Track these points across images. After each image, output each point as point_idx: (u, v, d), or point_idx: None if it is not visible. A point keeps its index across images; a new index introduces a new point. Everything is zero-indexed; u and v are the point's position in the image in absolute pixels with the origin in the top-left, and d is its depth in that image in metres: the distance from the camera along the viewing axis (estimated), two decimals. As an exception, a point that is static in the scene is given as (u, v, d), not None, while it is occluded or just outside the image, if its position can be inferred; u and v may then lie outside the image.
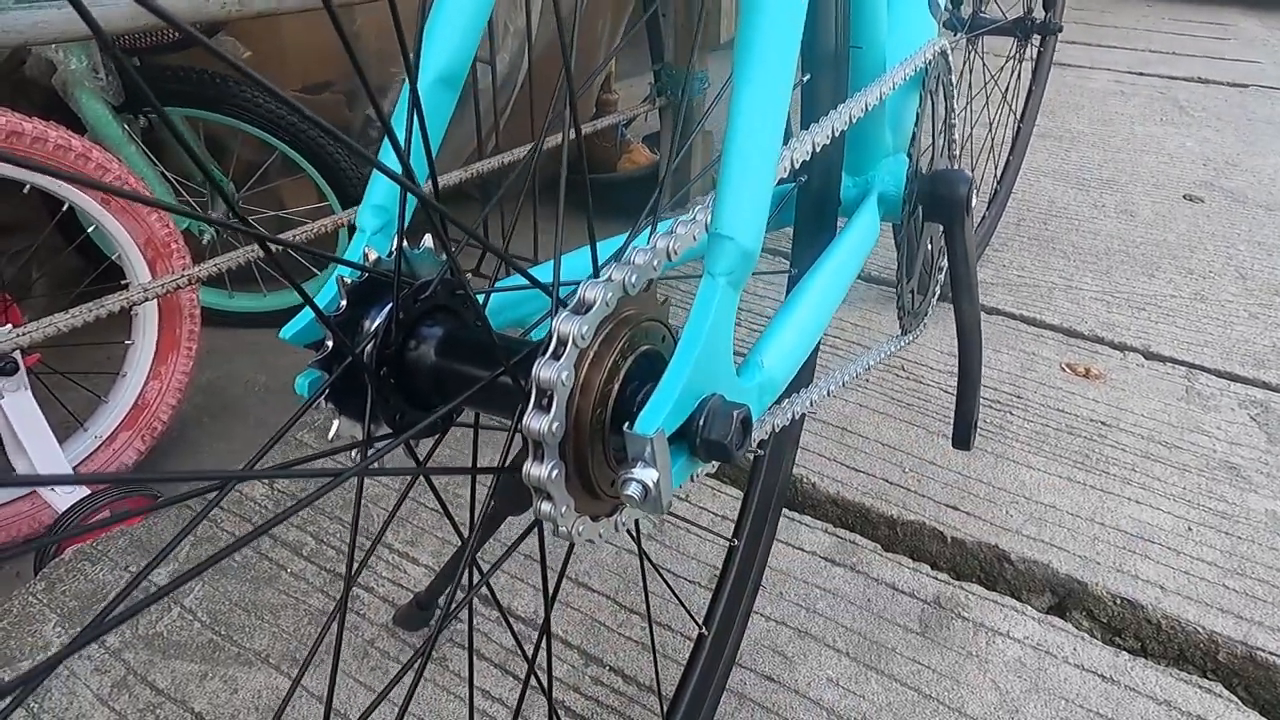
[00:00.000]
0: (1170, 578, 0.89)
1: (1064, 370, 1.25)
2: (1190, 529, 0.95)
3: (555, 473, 0.28)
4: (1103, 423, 1.13)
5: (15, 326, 0.94)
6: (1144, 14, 4.53)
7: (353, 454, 0.35)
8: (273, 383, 1.45)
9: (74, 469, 1.04)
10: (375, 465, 0.30)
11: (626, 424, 0.28)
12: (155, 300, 1.09)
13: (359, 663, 0.78)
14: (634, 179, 2.06)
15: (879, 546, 0.93)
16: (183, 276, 1.01)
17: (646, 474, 0.28)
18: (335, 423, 0.34)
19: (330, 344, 0.33)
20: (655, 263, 0.31)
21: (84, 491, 0.97)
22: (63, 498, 0.96)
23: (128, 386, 1.14)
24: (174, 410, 1.18)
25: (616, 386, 0.30)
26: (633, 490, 0.28)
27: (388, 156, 0.38)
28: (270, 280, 1.53)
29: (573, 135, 0.32)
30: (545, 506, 0.28)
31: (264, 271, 1.46)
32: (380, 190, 0.38)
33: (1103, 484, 1.01)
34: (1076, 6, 4.74)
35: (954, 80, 0.78)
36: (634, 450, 0.28)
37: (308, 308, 0.37)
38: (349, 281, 0.33)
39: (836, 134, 0.48)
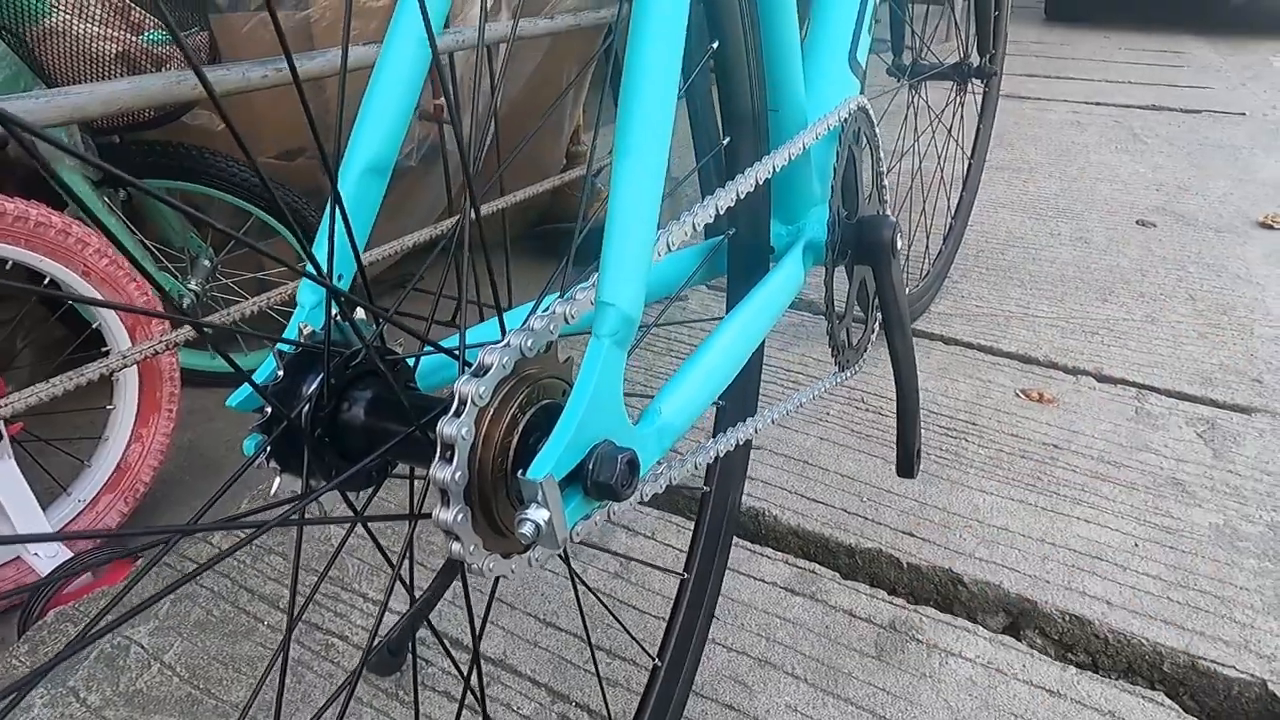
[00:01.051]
0: (1117, 593, 0.92)
1: (1019, 396, 1.30)
2: (1137, 545, 0.99)
3: (460, 516, 0.32)
4: (1055, 445, 1.17)
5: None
6: (1101, 44, 4.68)
7: (291, 506, 0.39)
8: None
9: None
10: (311, 514, 0.34)
11: (520, 470, 0.32)
12: (135, 365, 1.13)
13: (333, 711, 0.80)
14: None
15: (838, 575, 0.96)
16: (160, 342, 1.05)
17: (539, 514, 0.32)
18: (276, 480, 0.38)
19: (269, 410, 0.37)
20: (552, 327, 0.35)
21: (66, 554, 1.00)
22: (45, 561, 0.99)
23: (110, 450, 1.17)
24: (156, 471, 1.21)
25: (516, 439, 0.34)
26: (527, 529, 0.31)
27: (322, 243, 0.42)
28: (251, 340, 1.57)
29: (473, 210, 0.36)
30: (455, 546, 0.32)
31: (244, 333, 1.50)
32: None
33: (1053, 505, 1.05)
34: (1035, 40, 4.89)
35: (877, 132, 0.83)
36: (527, 493, 0.32)
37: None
38: (285, 354, 0.37)
39: (756, 186, 0.53)
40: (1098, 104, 3.27)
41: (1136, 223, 2.03)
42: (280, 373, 0.37)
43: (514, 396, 0.34)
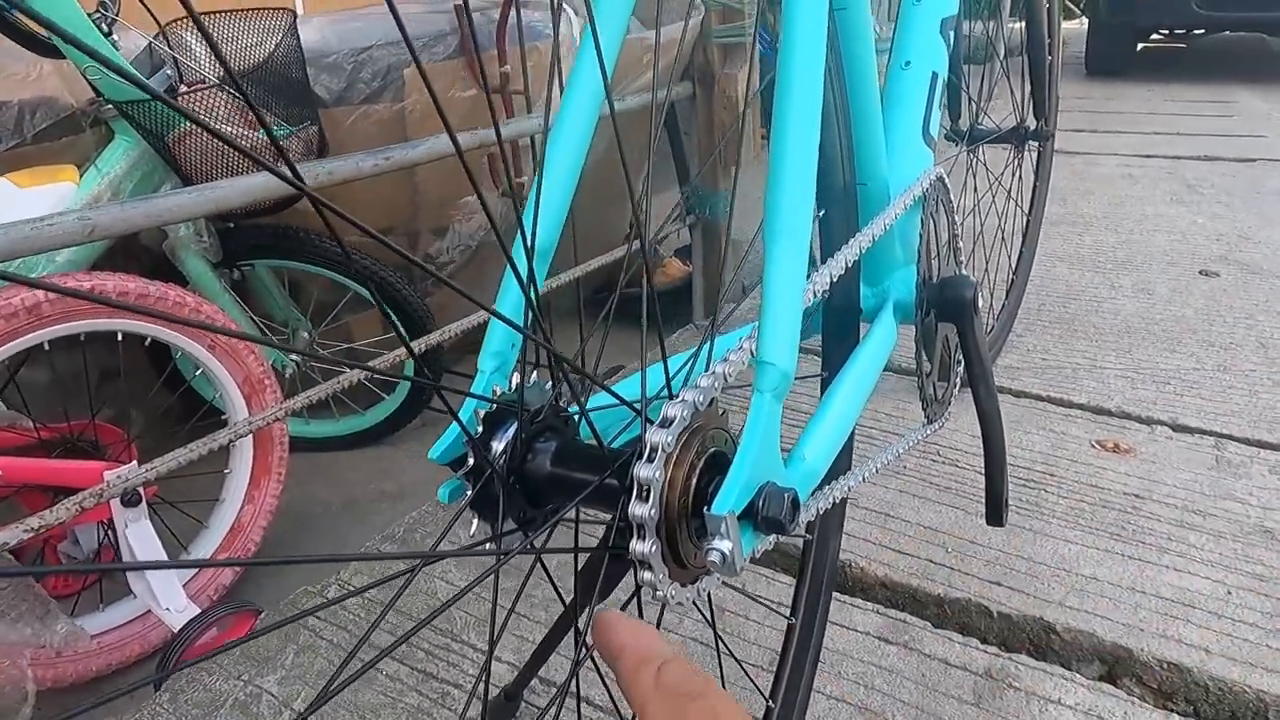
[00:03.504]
0: (1214, 640, 0.93)
1: (1094, 447, 1.31)
2: (1230, 593, 0.99)
3: (654, 548, 0.37)
4: (1136, 495, 1.18)
5: (138, 463, 1.06)
6: (1146, 97, 4.71)
7: (486, 546, 0.44)
8: (345, 500, 1.56)
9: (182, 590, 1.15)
10: (534, 544, 0.40)
11: (706, 507, 0.38)
12: (252, 432, 1.22)
13: (454, 755, 0.85)
14: (669, 291, 2.19)
15: (929, 624, 0.98)
16: (280, 409, 1.13)
17: (723, 544, 0.37)
18: (474, 523, 0.44)
19: (471, 460, 0.43)
20: (716, 385, 0.41)
21: (194, 612, 1.07)
22: (177, 616, 1.06)
23: (225, 511, 1.25)
24: (264, 532, 1.29)
25: (695, 481, 0.39)
26: (714, 557, 0.37)
27: (502, 308, 0.49)
28: (341, 405, 1.66)
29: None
30: (646, 575, 0.37)
31: (339, 400, 1.59)
32: (497, 339, 0.49)
33: (1140, 554, 1.06)
34: (1081, 95, 4.94)
35: (952, 199, 0.89)
36: (712, 527, 0.37)
37: (446, 433, 0.47)
38: (482, 413, 0.44)
39: (850, 265, 0.58)
40: (1148, 156, 3.29)
41: (1199, 273, 2.04)
42: (480, 428, 0.43)
43: (691, 445, 0.39)
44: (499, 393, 0.45)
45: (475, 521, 0.44)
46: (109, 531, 1.09)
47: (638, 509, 0.36)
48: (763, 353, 0.41)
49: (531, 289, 0.42)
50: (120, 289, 1.05)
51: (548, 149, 0.52)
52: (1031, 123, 1.45)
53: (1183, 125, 3.86)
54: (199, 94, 1.21)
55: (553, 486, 0.42)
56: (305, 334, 1.56)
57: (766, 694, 0.71)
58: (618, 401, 0.41)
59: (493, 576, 0.40)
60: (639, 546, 0.37)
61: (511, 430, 0.43)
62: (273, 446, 1.28)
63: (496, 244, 1.73)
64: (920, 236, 0.79)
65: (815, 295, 0.52)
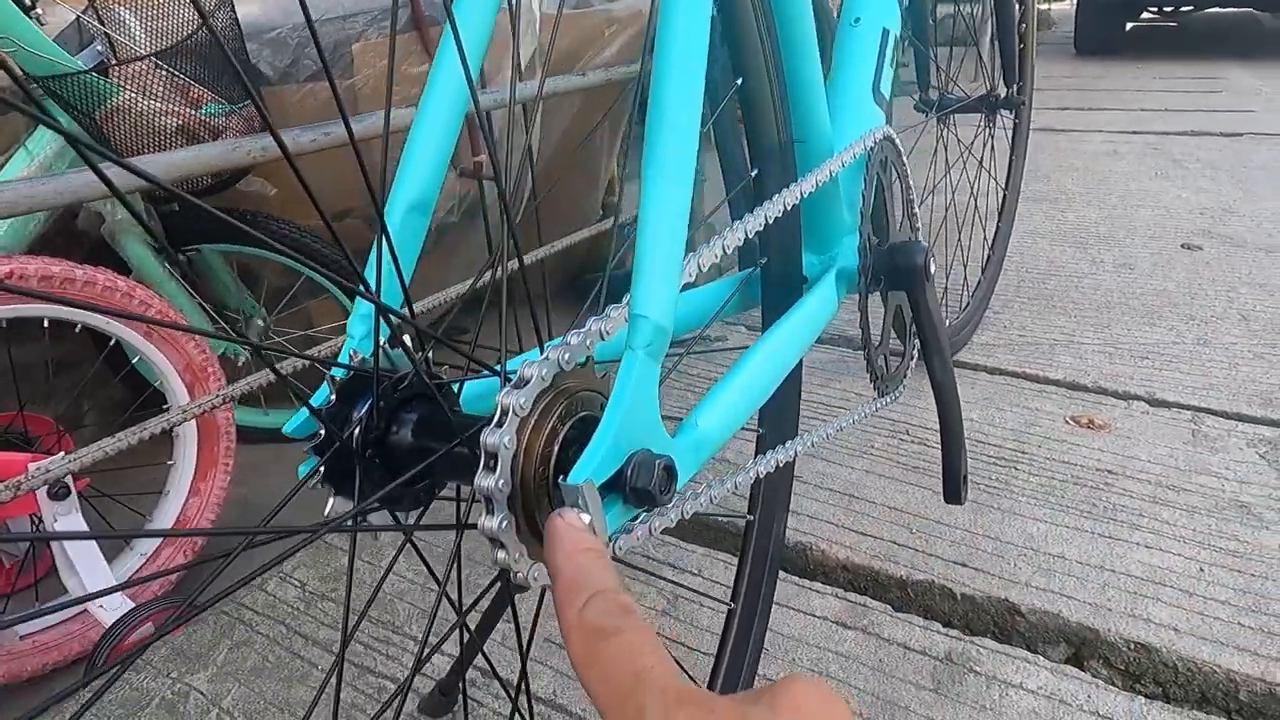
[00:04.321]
0: (1184, 619, 0.89)
1: (1068, 423, 1.27)
2: (1202, 570, 0.96)
3: (505, 523, 0.33)
4: (1109, 471, 1.14)
5: (64, 454, 1.02)
6: (1134, 75, 4.66)
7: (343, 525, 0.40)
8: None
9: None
10: (362, 522, 0.36)
11: (561, 477, 0.34)
12: (194, 421, 1.17)
13: (387, 753, 0.81)
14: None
15: (890, 608, 0.94)
16: (217, 396, 1.09)
17: (579, 517, 0.33)
18: (330, 500, 0.39)
19: (323, 433, 0.39)
20: (588, 343, 0.36)
21: (129, 605, 1.03)
22: (109, 614, 1.02)
23: (170, 505, 1.21)
24: (213, 525, 1.25)
25: (556, 449, 0.35)
26: (566, 532, 0.33)
27: (371, 274, 0.44)
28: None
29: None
30: (500, 554, 0.33)
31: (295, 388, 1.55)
32: (364, 304, 0.44)
33: (1111, 531, 1.02)
34: (1069, 74, 4.89)
35: (905, 161, 0.84)
36: (568, 498, 0.33)
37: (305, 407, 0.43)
38: (338, 380, 0.39)
39: (785, 212, 0.54)
40: (1135, 132, 3.25)
41: (1181, 246, 2.00)
42: (333, 397, 0.38)
43: (553, 409, 0.35)
44: (359, 359, 0.40)
45: (331, 499, 0.40)
46: (38, 526, 1.05)
47: (484, 480, 0.32)
48: (636, 304, 0.37)
49: (382, 251, 0.38)
50: (43, 273, 1.00)
51: (418, 110, 0.47)
52: (1002, 90, 1.40)
53: (1171, 102, 3.81)
54: (132, 70, 1.16)
55: (410, 460, 0.38)
56: (260, 321, 1.51)
57: (704, 683, 0.67)
58: (480, 366, 0.36)
59: (347, 558, 0.36)
60: (487, 523, 0.33)
61: (367, 400, 0.39)
62: (219, 436, 1.23)
63: (460, 227, 1.68)
64: (864, 198, 0.75)
65: (725, 251, 0.48)
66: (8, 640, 1.00)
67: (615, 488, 0.35)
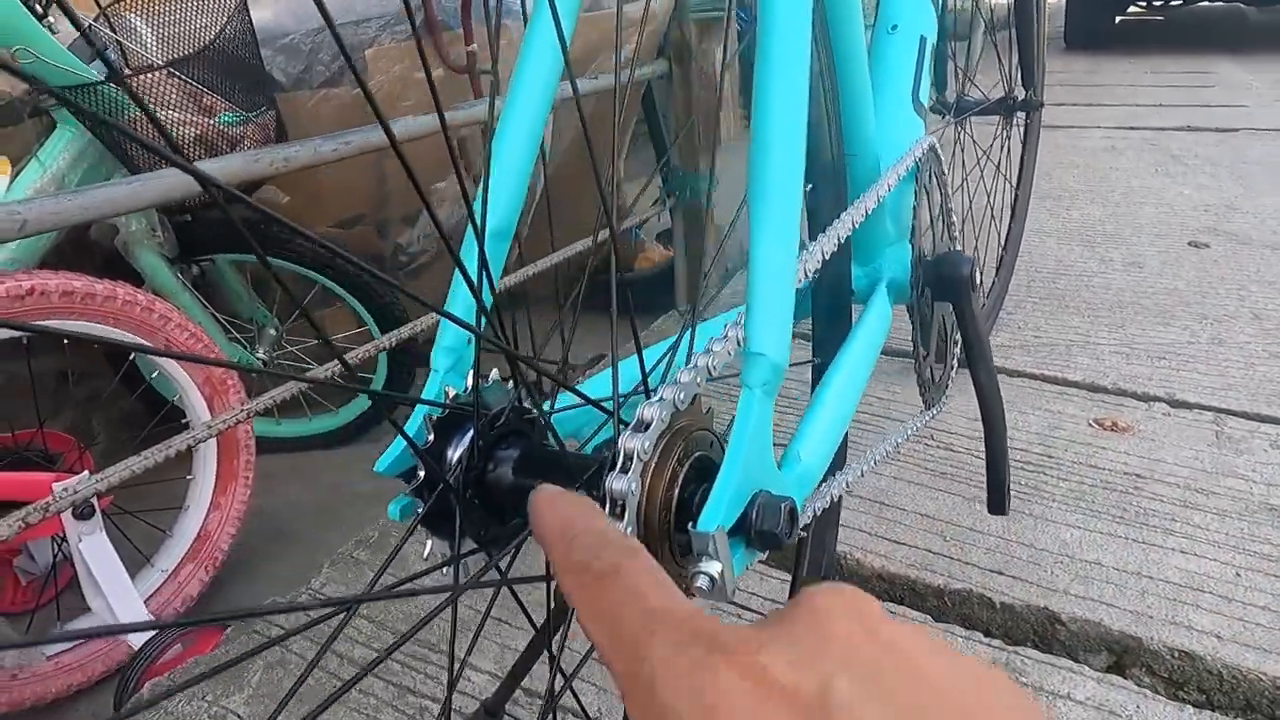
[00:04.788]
0: (1225, 626, 0.89)
1: (1092, 426, 1.27)
2: (1239, 575, 0.96)
3: (632, 573, 0.32)
4: (1137, 475, 1.15)
5: (91, 472, 1.00)
6: (1126, 70, 4.68)
7: (444, 570, 0.39)
8: (320, 502, 1.51)
9: (144, 603, 1.09)
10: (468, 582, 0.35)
11: (690, 523, 0.33)
12: (215, 436, 1.16)
13: (433, 775, 0.80)
14: (650, 276, 2.14)
15: (929, 618, 0.94)
16: (242, 412, 1.07)
17: (711, 566, 0.32)
18: (429, 544, 0.38)
19: (421, 474, 0.38)
20: (699, 380, 0.36)
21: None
22: (138, 634, 1.00)
23: (190, 519, 1.19)
24: (234, 539, 1.23)
25: (676, 491, 0.34)
26: (701, 582, 0.31)
27: (455, 304, 0.43)
28: (314, 405, 1.60)
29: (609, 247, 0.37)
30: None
31: (309, 398, 1.53)
32: (450, 333, 0.43)
33: (1145, 536, 1.02)
34: (1061, 69, 4.90)
35: (945, 170, 0.84)
36: (699, 546, 0.32)
37: (394, 443, 0.42)
38: (434, 418, 0.38)
39: (842, 241, 0.53)
40: (1131, 128, 3.26)
41: (1188, 244, 2.01)
42: (431, 436, 0.37)
43: (672, 450, 0.34)
44: (452, 395, 0.39)
45: (429, 541, 0.39)
46: (63, 545, 1.03)
47: (612, 528, 0.31)
48: (752, 343, 0.36)
49: (484, 280, 0.37)
50: (65, 288, 0.98)
51: (497, 132, 0.46)
52: (1020, 93, 1.40)
53: (1164, 97, 3.83)
54: (146, 79, 1.14)
55: (517, 500, 0.37)
56: (273, 330, 1.49)
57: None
58: (585, 402, 0.36)
59: (450, 608, 0.35)
60: (614, 571, 0.32)
61: (467, 437, 0.38)
62: (238, 450, 1.22)
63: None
64: (914, 210, 0.74)
65: (806, 276, 0.47)
66: (35, 661, 0.99)
67: (739, 531, 0.35)
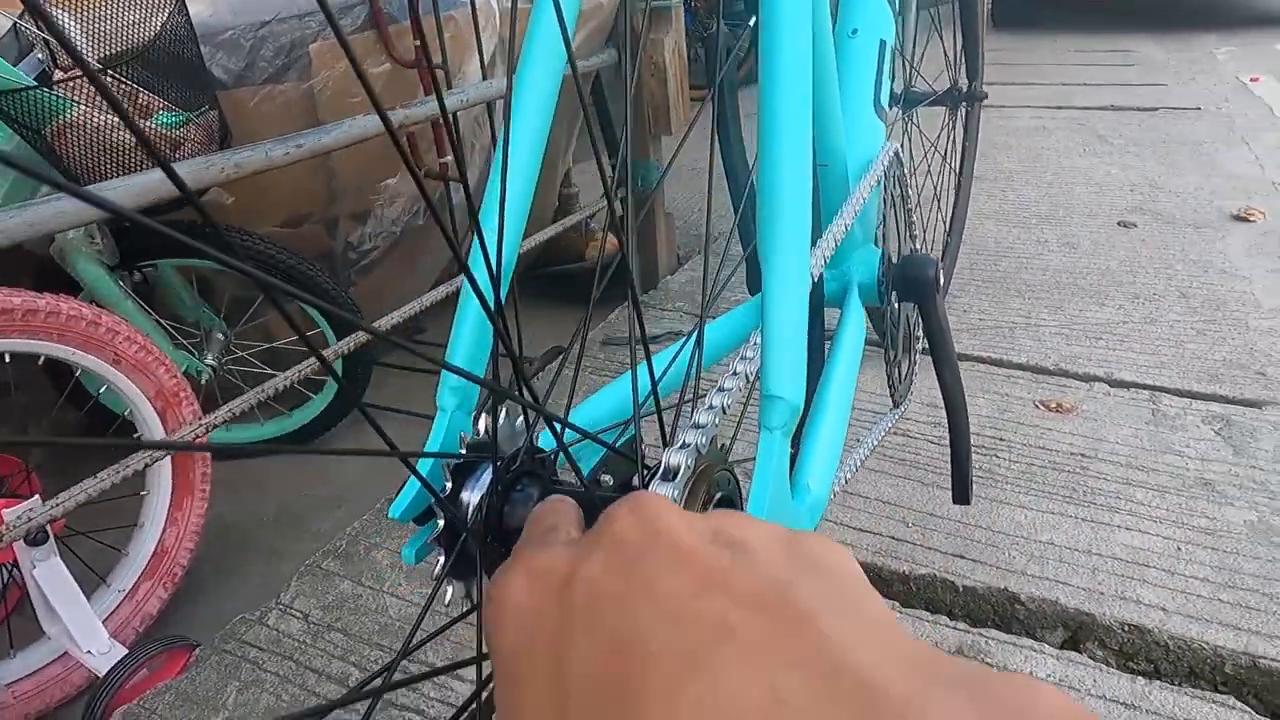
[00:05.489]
0: (1170, 599, 0.94)
1: (1038, 407, 1.33)
2: (1180, 549, 1.02)
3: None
4: (1082, 454, 1.20)
5: (39, 496, 0.97)
6: (1052, 49, 4.82)
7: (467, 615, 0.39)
8: (278, 510, 1.47)
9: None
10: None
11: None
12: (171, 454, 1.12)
13: (422, 788, 0.80)
14: (600, 269, 2.13)
15: (897, 604, 0.98)
16: (199, 425, 1.04)
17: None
18: (449, 589, 0.39)
19: (441, 522, 0.38)
20: (716, 421, 0.36)
21: (121, 653, 0.98)
22: (100, 660, 0.97)
23: (146, 536, 1.16)
24: (192, 553, 1.20)
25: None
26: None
27: (462, 326, 0.43)
28: (266, 409, 1.56)
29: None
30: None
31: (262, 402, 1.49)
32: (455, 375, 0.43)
33: (1093, 515, 1.08)
34: (992, 49, 5.02)
35: (906, 174, 0.86)
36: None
37: (407, 486, 0.42)
38: (450, 465, 0.38)
39: (828, 258, 0.54)
40: (1059, 108, 3.37)
41: (1118, 224, 2.09)
42: (449, 484, 0.37)
43: (697, 495, 0.35)
44: (467, 442, 0.39)
45: (450, 590, 0.39)
46: (14, 571, 0.99)
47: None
48: (770, 385, 0.37)
49: (500, 319, 0.37)
50: (4, 305, 0.94)
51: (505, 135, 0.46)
52: (964, 84, 1.43)
53: (1088, 76, 3.96)
54: (78, 80, 1.09)
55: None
56: (220, 335, 1.45)
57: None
58: (614, 452, 0.36)
59: (475, 668, 0.35)
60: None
61: (485, 480, 0.38)
62: (194, 462, 1.18)
63: (422, 229, 1.64)
64: (881, 215, 0.76)
65: (813, 279, 0.48)
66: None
67: (763, 571, 0.36)
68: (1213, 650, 0.88)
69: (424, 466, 0.42)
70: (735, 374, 0.39)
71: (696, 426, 0.35)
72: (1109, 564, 1.00)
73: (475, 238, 0.38)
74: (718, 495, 0.36)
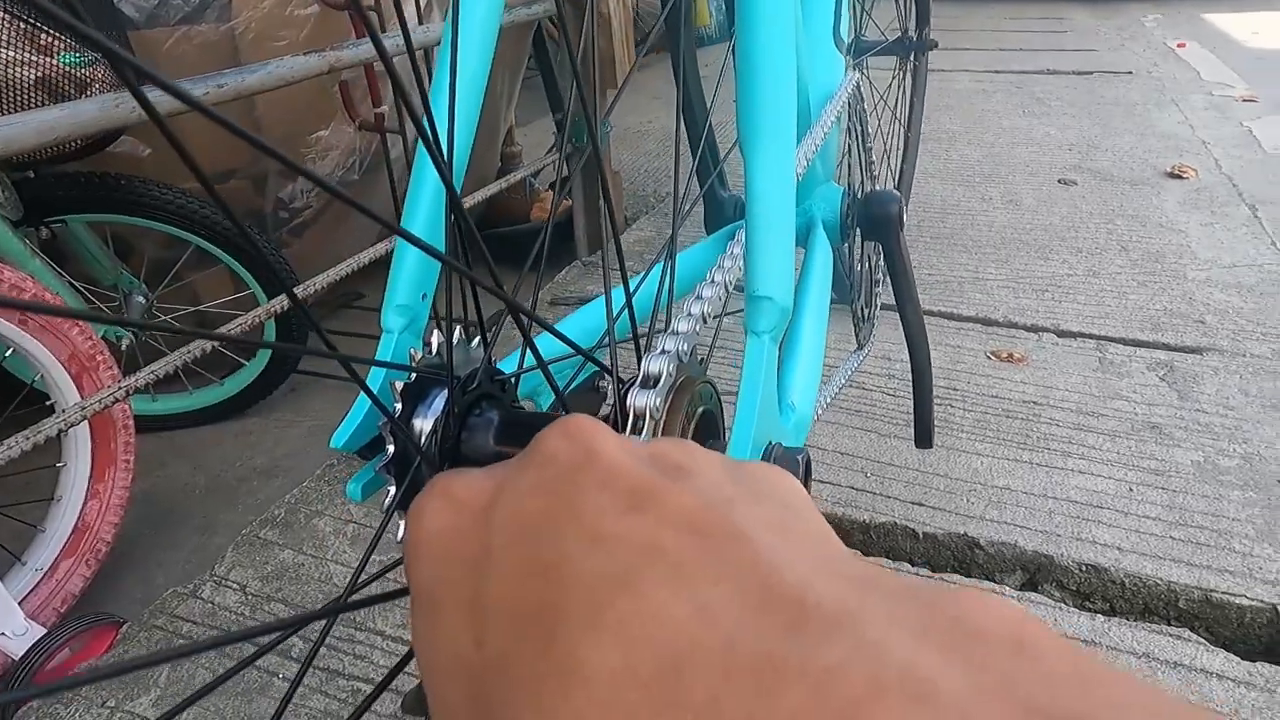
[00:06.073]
0: (1124, 538, 0.95)
1: (990, 358, 1.33)
2: (1131, 490, 1.03)
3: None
4: (1034, 402, 1.21)
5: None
6: (989, 14, 4.87)
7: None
8: (211, 482, 1.40)
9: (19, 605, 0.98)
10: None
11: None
12: (87, 418, 1.04)
13: (374, 758, 0.76)
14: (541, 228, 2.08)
15: (858, 553, 0.96)
16: (118, 389, 0.97)
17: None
18: (402, 525, 0.34)
19: (391, 448, 0.33)
20: (697, 328, 0.33)
21: (39, 633, 0.91)
22: (17, 641, 0.90)
23: (65, 511, 1.08)
24: (117, 528, 1.13)
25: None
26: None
27: (406, 255, 0.39)
28: (194, 376, 1.47)
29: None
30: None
31: (189, 369, 1.41)
32: (403, 290, 0.39)
33: (1047, 460, 1.08)
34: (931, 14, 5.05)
35: (866, 109, 0.83)
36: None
37: (352, 412, 0.37)
38: (399, 385, 0.34)
39: (807, 164, 0.51)
40: (998, 72, 3.40)
41: (1059, 182, 2.12)
42: (399, 405, 0.33)
43: (679, 407, 0.32)
44: (418, 357, 0.35)
45: (403, 524, 0.35)
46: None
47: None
48: (756, 285, 0.33)
49: (459, 219, 0.33)
50: (-111, 258, 0.85)
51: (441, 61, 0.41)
52: (914, 34, 1.42)
53: (1024, 41, 4.01)
54: (-33, 13, 0.99)
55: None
56: (141, 298, 1.36)
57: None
58: (593, 363, 0.32)
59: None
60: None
61: (439, 403, 0.34)
62: (115, 432, 1.10)
63: (357, 184, 1.56)
64: (844, 150, 0.73)
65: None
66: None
67: (754, 489, 0.32)
68: (1166, 586, 0.89)
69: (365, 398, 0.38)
70: (714, 282, 0.35)
71: (676, 334, 0.32)
72: (1064, 507, 1.00)
73: (411, 187, 0.33)
74: (700, 410, 0.33)
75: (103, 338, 1.13)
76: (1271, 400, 1.19)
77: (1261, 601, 0.86)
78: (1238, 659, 0.81)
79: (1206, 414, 1.17)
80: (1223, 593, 0.88)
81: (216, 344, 1.19)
